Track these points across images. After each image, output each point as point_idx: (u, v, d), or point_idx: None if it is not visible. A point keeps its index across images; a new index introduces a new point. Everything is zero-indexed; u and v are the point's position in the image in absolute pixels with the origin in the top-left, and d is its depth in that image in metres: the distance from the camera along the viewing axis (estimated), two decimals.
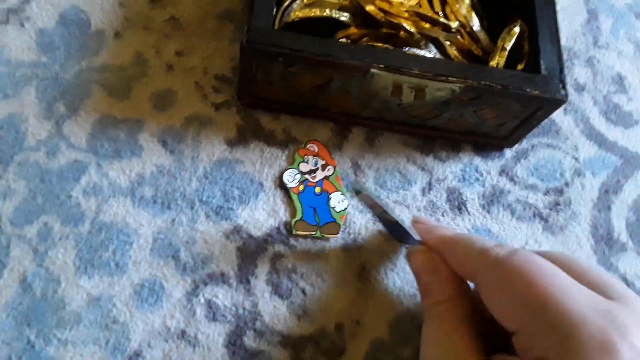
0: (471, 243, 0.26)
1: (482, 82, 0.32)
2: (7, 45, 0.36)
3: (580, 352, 0.19)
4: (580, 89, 0.42)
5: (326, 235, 0.33)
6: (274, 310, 0.31)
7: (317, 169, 0.36)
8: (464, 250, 0.26)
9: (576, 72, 0.43)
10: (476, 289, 0.26)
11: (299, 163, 0.36)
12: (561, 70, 0.34)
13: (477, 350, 0.23)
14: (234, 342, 0.30)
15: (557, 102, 0.33)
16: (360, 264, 0.33)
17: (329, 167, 0.36)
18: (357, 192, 0.31)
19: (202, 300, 0.31)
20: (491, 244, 0.24)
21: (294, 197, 0.34)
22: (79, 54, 0.37)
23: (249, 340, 0.30)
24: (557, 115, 0.40)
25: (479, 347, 0.24)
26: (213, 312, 0.30)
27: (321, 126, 0.37)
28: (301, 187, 0.35)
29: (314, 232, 0.33)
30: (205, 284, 0.31)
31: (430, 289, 0.27)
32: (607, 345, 0.18)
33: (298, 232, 0.33)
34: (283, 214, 0.34)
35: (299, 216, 0.34)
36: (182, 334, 0.30)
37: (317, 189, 0.35)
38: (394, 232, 0.32)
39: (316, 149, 0.36)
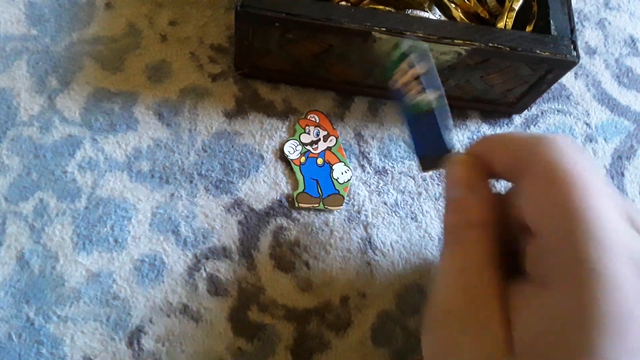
0: (520, 135, 0.22)
1: (490, 44, 0.31)
2: None
3: (590, 290, 0.17)
4: (592, 52, 0.40)
5: (329, 208, 0.32)
6: (277, 284, 0.30)
7: (319, 139, 0.35)
8: (515, 142, 0.22)
9: (587, 35, 0.41)
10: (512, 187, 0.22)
11: (300, 134, 0.34)
12: (572, 30, 0.32)
13: (500, 291, 0.20)
14: (237, 317, 0.29)
15: (569, 63, 0.31)
16: (365, 236, 0.32)
17: (331, 137, 0.35)
18: (401, 56, 0.24)
19: (204, 274, 0.30)
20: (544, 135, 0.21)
21: (296, 169, 0.33)
22: (69, 25, 0.35)
23: (253, 314, 0.29)
24: (568, 79, 0.39)
25: (502, 286, 0.21)
26: (215, 287, 0.30)
27: (322, 96, 0.36)
28: (303, 159, 0.34)
29: (316, 205, 0.32)
30: (207, 259, 0.30)
31: (465, 205, 0.22)
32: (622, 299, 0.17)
33: (300, 205, 0.32)
34: (285, 187, 0.33)
35: (301, 188, 0.33)
36: (185, 309, 0.29)
37: (319, 161, 0.34)
38: (429, 135, 0.25)
39: (317, 120, 0.35)
